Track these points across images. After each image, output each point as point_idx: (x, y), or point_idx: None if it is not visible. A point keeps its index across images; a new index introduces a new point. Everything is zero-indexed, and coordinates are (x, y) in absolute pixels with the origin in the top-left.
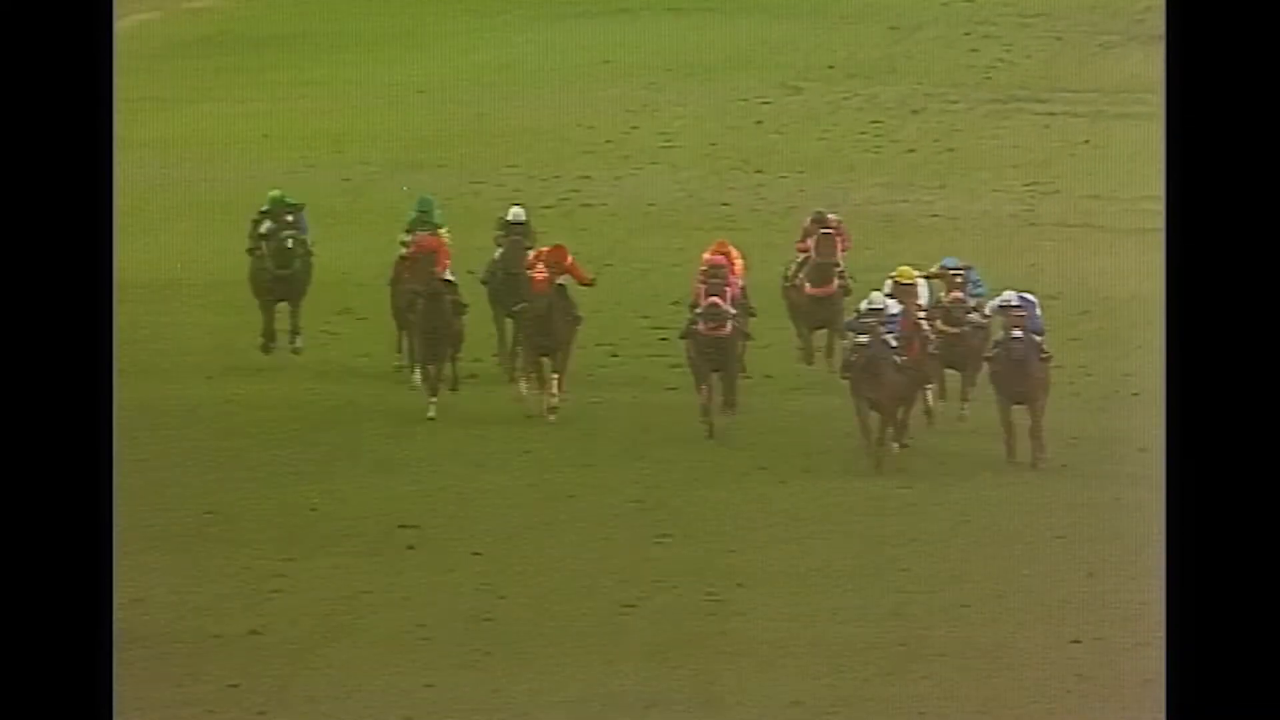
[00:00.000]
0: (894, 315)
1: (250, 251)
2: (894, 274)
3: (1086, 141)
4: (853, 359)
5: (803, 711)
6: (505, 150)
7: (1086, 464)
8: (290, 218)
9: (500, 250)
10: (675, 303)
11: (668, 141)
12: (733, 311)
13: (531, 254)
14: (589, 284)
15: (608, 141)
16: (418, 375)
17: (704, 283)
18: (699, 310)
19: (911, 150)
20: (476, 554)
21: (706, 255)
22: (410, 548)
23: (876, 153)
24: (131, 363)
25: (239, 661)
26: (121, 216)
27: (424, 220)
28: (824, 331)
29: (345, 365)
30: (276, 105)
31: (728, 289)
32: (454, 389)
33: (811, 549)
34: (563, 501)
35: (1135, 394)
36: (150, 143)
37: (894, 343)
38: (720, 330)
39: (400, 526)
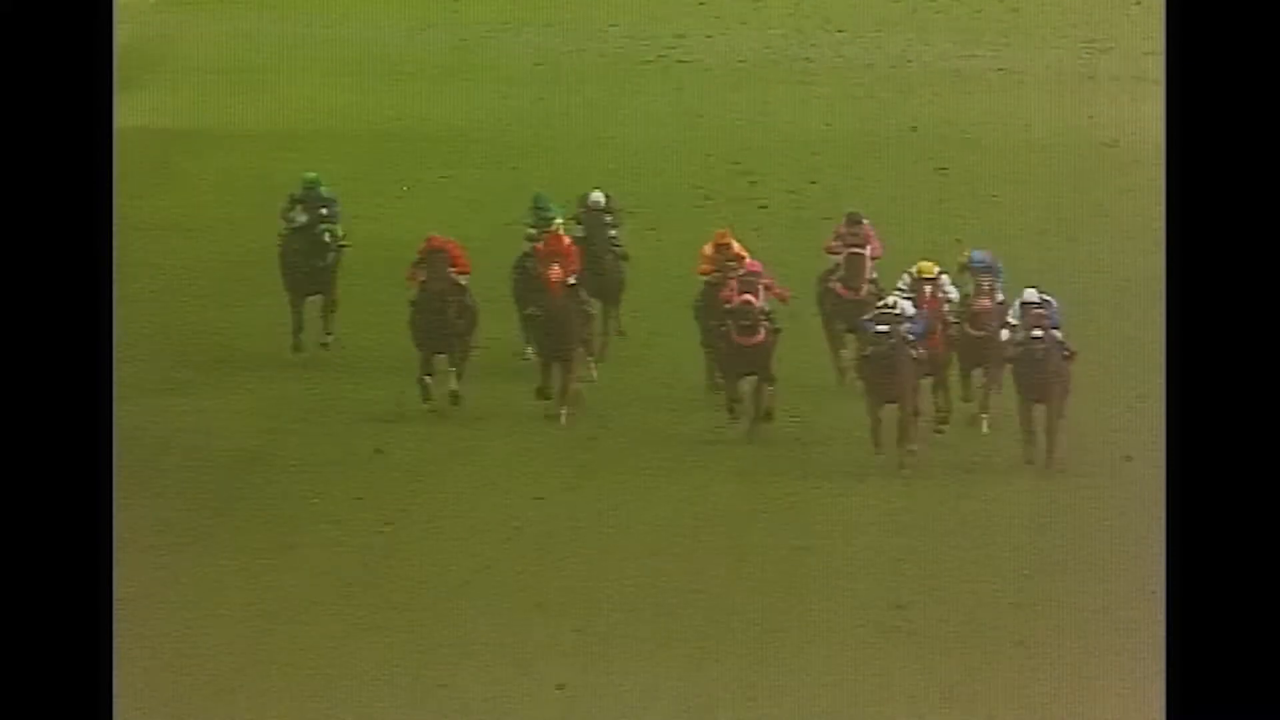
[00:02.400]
0: (910, 317)
1: (281, 247)
2: (913, 269)
3: (1138, 2)
4: (869, 354)
5: (880, 556)
6: (607, 10)
7: (1132, 304)
8: (324, 210)
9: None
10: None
11: (756, 1)
12: (767, 309)
13: (539, 246)
14: (576, 273)
15: (700, 3)
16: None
17: (735, 280)
18: (730, 310)
19: (978, 11)
20: (586, 381)
21: (708, 249)
22: (521, 366)
23: (946, 13)
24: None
25: (363, 478)
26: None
27: (542, 216)
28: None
29: (451, 209)
30: None
31: (760, 286)
32: (454, 401)
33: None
34: (665, 324)
35: None
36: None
37: (911, 336)
38: (753, 338)
39: (514, 355)
